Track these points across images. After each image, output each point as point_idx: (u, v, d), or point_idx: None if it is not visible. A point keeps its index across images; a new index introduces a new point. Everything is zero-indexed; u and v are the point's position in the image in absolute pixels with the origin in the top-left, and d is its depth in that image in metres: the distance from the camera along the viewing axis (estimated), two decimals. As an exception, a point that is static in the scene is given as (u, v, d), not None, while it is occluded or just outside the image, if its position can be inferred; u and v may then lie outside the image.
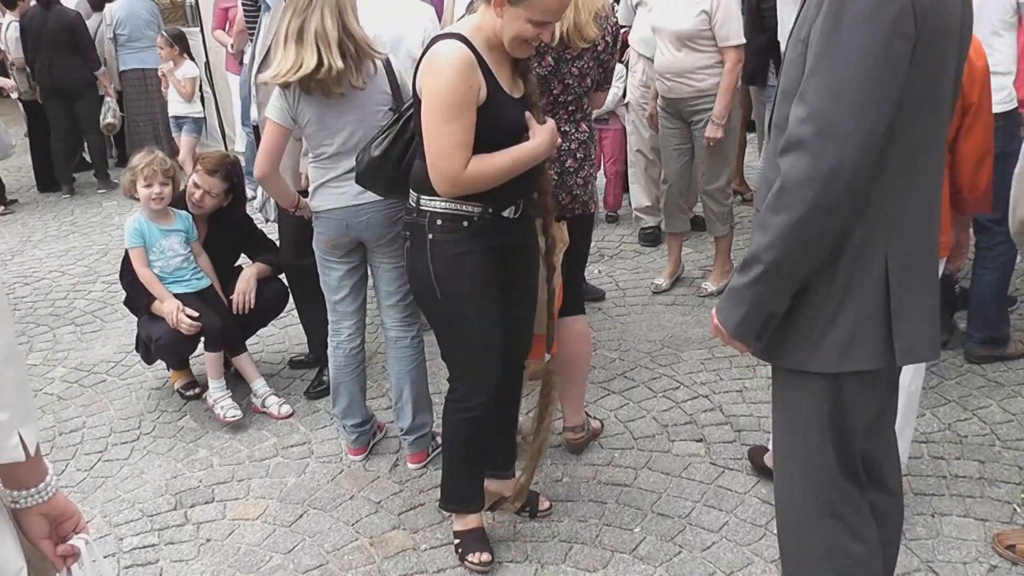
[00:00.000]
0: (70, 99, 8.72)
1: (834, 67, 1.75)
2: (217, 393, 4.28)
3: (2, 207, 8.51)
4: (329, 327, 3.77)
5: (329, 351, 3.80)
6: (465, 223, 2.78)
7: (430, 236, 2.78)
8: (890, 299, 1.90)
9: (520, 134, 2.78)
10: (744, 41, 4.87)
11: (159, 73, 8.37)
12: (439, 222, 2.77)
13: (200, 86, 8.16)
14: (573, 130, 3.29)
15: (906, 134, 1.83)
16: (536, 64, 3.09)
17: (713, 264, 5.49)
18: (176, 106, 8.08)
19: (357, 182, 3.12)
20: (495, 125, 2.66)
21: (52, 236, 7.66)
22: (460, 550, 3.14)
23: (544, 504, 3.40)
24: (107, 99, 8.82)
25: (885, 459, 2.25)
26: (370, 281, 3.74)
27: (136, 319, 4.49)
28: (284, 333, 5.18)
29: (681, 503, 3.41)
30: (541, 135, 2.75)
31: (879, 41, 1.72)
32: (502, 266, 2.90)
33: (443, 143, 2.60)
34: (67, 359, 5.16)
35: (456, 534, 3.18)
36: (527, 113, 2.78)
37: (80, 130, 9.07)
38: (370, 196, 3.32)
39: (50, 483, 1.63)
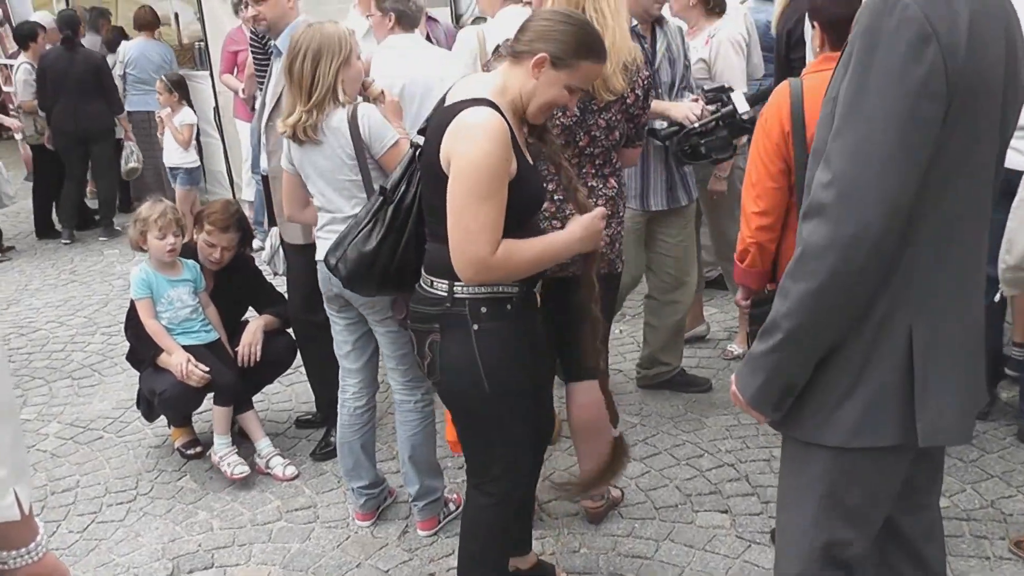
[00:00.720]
0: (87, 143, 8.59)
1: (858, 129, 1.68)
2: (223, 449, 4.13)
3: None
4: (340, 383, 3.68)
5: (339, 407, 3.69)
6: (508, 306, 2.56)
7: (475, 327, 2.50)
8: (913, 374, 1.79)
9: (541, 204, 2.67)
10: (746, 88, 4.71)
11: (156, 117, 8.29)
12: (483, 309, 2.51)
13: (198, 135, 8.07)
14: (601, 185, 3.18)
15: (938, 202, 1.73)
16: (560, 114, 2.98)
17: (738, 325, 5.34)
18: (171, 155, 7.95)
19: (346, 286, 2.88)
20: (520, 197, 2.47)
21: (50, 285, 7.51)
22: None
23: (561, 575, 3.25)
24: (128, 143, 8.70)
25: (927, 541, 2.15)
26: None
27: (138, 373, 4.35)
28: (291, 391, 5.02)
29: (701, 564, 3.26)
30: (578, 226, 2.57)
31: (906, 103, 1.63)
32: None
33: (473, 224, 2.35)
34: (63, 414, 5.00)
35: None
36: (576, 196, 2.66)
37: (93, 175, 8.97)
38: None
39: (40, 543, 1.61)
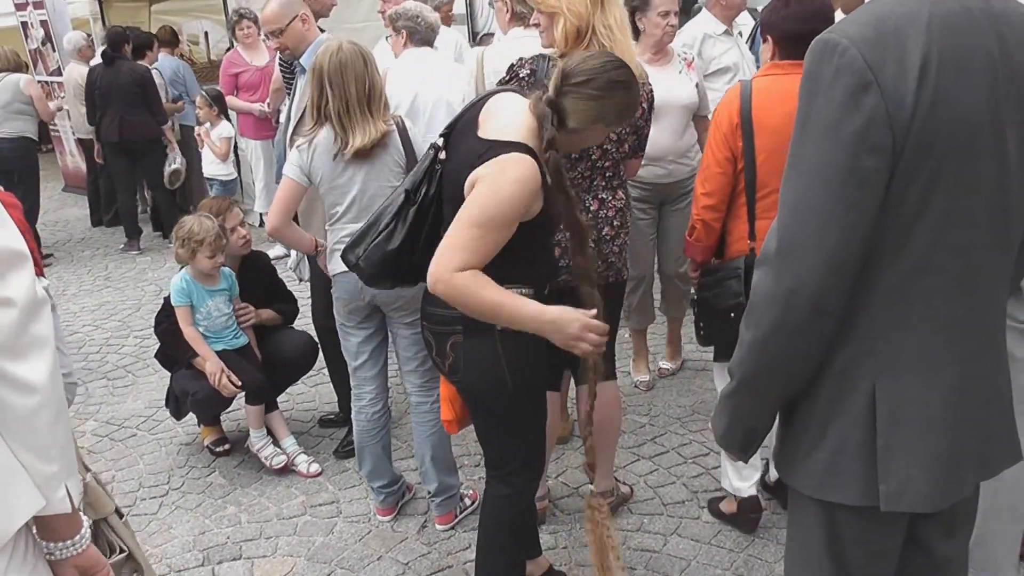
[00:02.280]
0: (134, 155, 8.79)
1: (798, 181, 1.60)
2: (260, 442, 4.33)
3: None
4: (352, 391, 3.79)
5: (352, 415, 3.82)
6: None
7: (499, 328, 2.54)
8: (876, 436, 1.67)
9: (557, 227, 2.74)
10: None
11: (195, 134, 8.52)
12: None
13: (235, 147, 8.29)
14: (610, 197, 3.28)
15: (895, 257, 1.61)
16: None
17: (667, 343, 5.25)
18: (209, 166, 8.19)
19: (368, 283, 2.90)
20: (538, 221, 2.54)
21: (86, 290, 7.76)
22: None
23: None
24: (173, 153, 8.89)
25: None
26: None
27: (168, 373, 4.53)
28: (314, 391, 5.20)
29: (711, 571, 3.38)
30: (559, 312, 2.46)
31: (843, 155, 1.52)
32: None
33: (457, 241, 2.39)
34: (98, 413, 5.20)
35: None
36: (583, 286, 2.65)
37: (148, 186, 9.20)
38: None
39: (85, 535, 1.69)
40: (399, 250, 2.68)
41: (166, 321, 4.43)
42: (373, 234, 2.74)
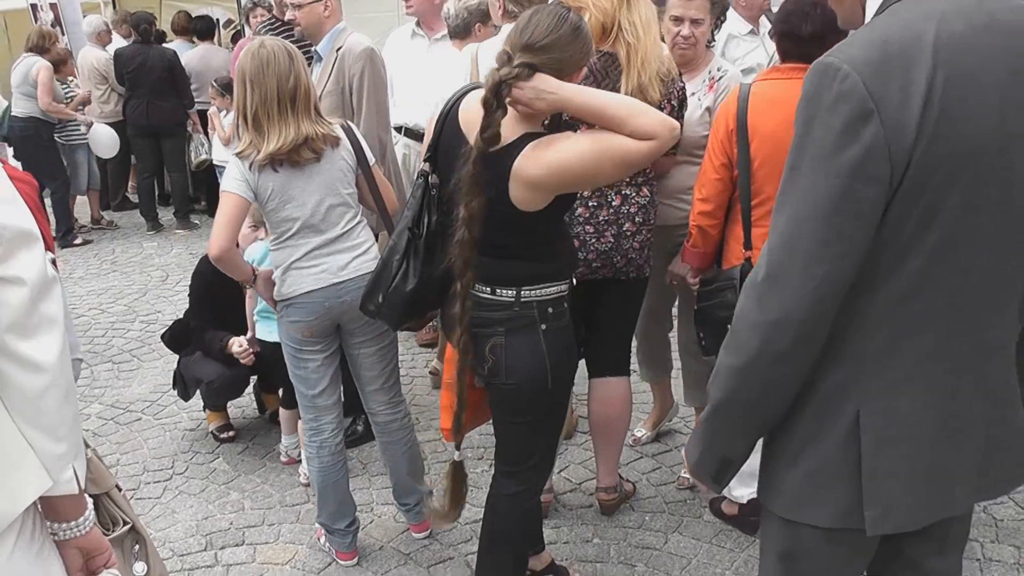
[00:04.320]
0: (158, 137, 8.88)
1: (791, 209, 1.55)
2: (293, 450, 4.28)
3: (80, 239, 8.81)
4: (305, 427, 3.50)
5: (309, 454, 3.50)
6: (565, 303, 2.66)
7: (543, 327, 2.57)
8: (861, 460, 1.64)
9: (572, 202, 2.78)
10: None
11: (209, 115, 8.54)
12: (550, 310, 2.60)
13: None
14: (634, 193, 3.27)
15: (887, 283, 1.57)
16: None
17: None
18: (218, 152, 8.19)
19: (395, 327, 2.86)
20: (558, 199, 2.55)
21: (92, 274, 7.78)
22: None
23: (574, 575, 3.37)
24: (197, 136, 8.94)
25: None
26: None
27: (175, 358, 4.55)
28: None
29: (711, 570, 3.39)
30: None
31: (836, 186, 1.48)
32: None
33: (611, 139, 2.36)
34: (103, 396, 5.22)
35: None
36: None
37: (167, 169, 9.25)
38: (353, 271, 3.20)
39: (88, 517, 1.70)
40: (418, 287, 2.69)
41: (204, 316, 4.40)
42: (386, 280, 2.73)
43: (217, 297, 4.34)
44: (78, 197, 9.31)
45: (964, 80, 1.47)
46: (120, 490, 2.02)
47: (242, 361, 4.21)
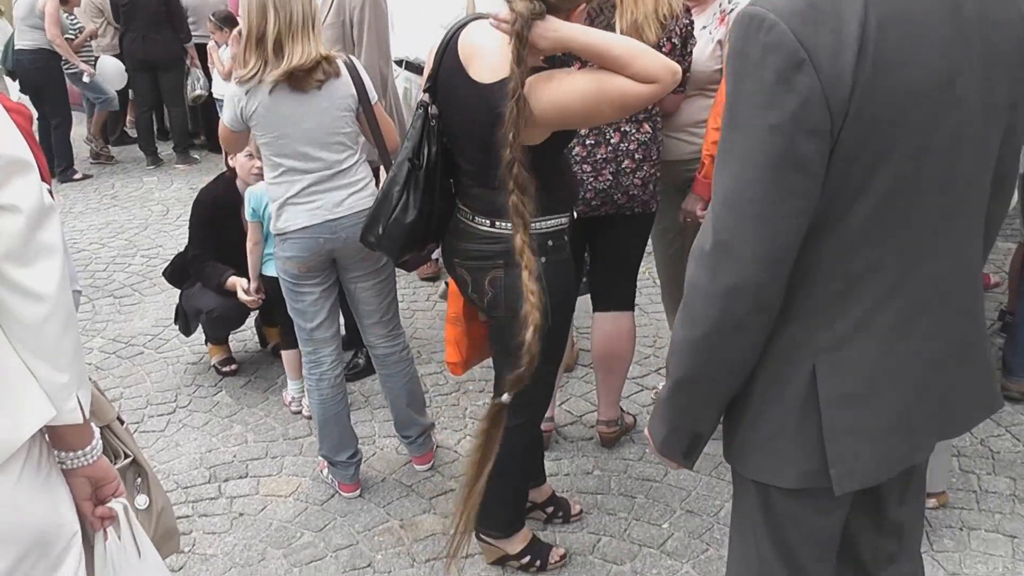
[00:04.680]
0: (156, 72, 8.82)
1: (732, 171, 1.46)
2: (297, 393, 4.24)
3: (79, 173, 8.79)
4: (304, 360, 3.51)
5: (309, 386, 3.53)
6: (565, 236, 2.66)
7: (543, 259, 2.54)
8: (821, 419, 1.58)
9: (571, 138, 2.76)
10: None
11: (208, 49, 8.46)
12: (551, 243, 2.60)
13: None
14: (634, 130, 3.23)
15: (835, 233, 1.49)
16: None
17: None
18: (218, 87, 8.14)
19: (396, 259, 2.89)
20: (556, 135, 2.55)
21: (93, 209, 7.76)
22: (538, 562, 3.05)
23: (575, 508, 3.39)
24: (194, 70, 8.88)
25: (889, 563, 1.93)
26: None
27: (176, 292, 4.56)
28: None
29: (711, 501, 3.43)
30: None
31: (776, 141, 1.39)
32: None
33: (614, 83, 2.33)
34: (105, 330, 5.24)
35: (521, 553, 3.07)
36: None
37: (165, 103, 9.21)
38: (348, 208, 3.20)
39: (96, 447, 1.71)
40: (418, 218, 2.68)
41: (204, 248, 4.37)
42: (387, 211, 2.72)
43: (218, 228, 4.33)
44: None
45: (898, 21, 1.39)
46: (122, 423, 2.04)
47: (251, 307, 4.23)
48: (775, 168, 1.41)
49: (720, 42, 3.40)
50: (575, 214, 2.82)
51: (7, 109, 1.59)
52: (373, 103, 3.27)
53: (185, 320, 4.49)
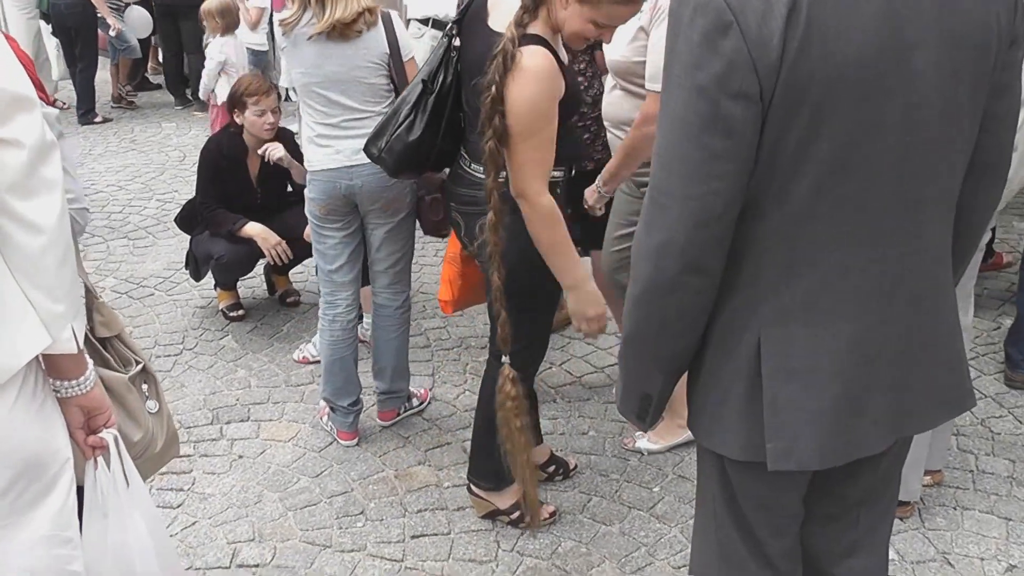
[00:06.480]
0: (176, 18, 8.84)
1: (663, 128, 1.46)
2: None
3: (100, 117, 8.83)
4: (321, 300, 3.62)
5: (322, 326, 3.62)
6: (558, 189, 2.67)
7: None
8: (763, 390, 1.56)
9: (579, 107, 2.77)
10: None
11: None
12: None
13: (271, 20, 8.18)
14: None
15: (779, 205, 1.47)
16: None
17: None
18: (242, 34, 8.10)
19: (393, 174, 2.92)
20: (563, 105, 2.54)
21: (111, 152, 7.80)
22: (527, 518, 3.05)
23: (572, 462, 3.42)
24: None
25: (844, 558, 1.90)
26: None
27: (188, 237, 4.60)
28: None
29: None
30: (590, 298, 2.67)
31: (702, 103, 1.38)
32: None
33: (519, 159, 2.46)
34: (118, 271, 5.29)
35: (511, 508, 3.09)
36: None
37: (184, 50, 9.19)
38: (365, 157, 3.15)
39: (89, 377, 1.76)
40: (420, 140, 2.72)
41: (212, 197, 4.42)
42: (393, 126, 2.76)
43: (223, 177, 4.38)
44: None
45: None
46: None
47: (277, 261, 4.32)
48: (700, 131, 1.40)
49: (642, 28, 2.95)
50: (585, 166, 2.83)
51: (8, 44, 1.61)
52: (405, 60, 3.28)
53: (196, 265, 4.53)
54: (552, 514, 3.14)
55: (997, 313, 4.54)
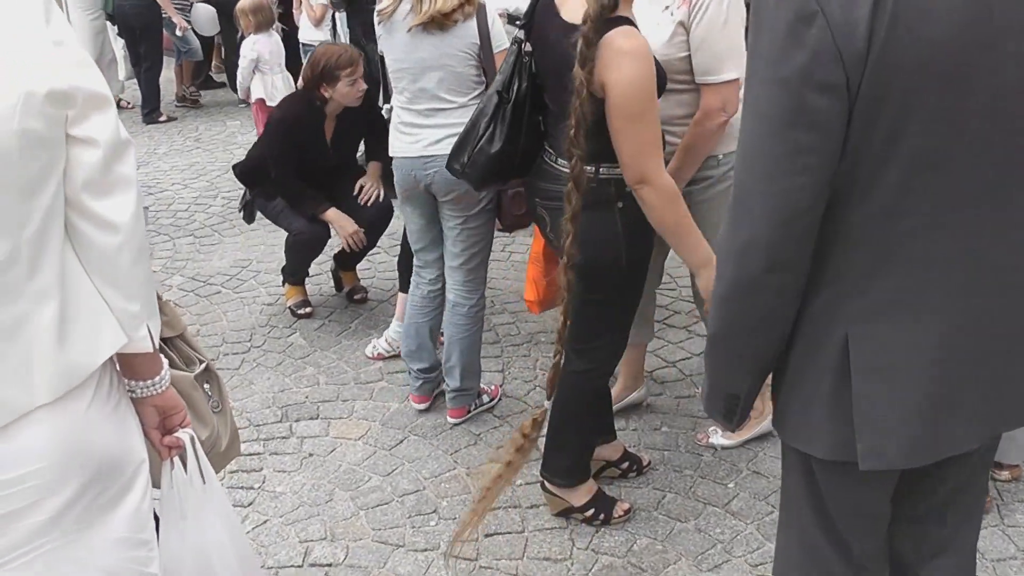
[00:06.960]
0: (219, 11, 8.89)
1: (746, 124, 1.45)
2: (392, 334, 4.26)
3: (164, 116, 8.93)
4: (414, 269, 3.75)
5: (411, 289, 3.76)
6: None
7: (619, 204, 2.60)
8: (852, 388, 1.52)
9: (667, 80, 2.71)
10: (734, 77, 2.82)
11: None
12: (627, 188, 2.57)
13: (334, 16, 8.19)
14: None
15: (865, 200, 1.43)
16: None
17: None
18: (305, 32, 8.12)
19: (478, 188, 2.98)
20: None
21: (177, 150, 7.88)
22: (602, 515, 3.06)
23: (646, 458, 3.38)
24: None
25: (932, 558, 1.86)
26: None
27: (252, 233, 4.62)
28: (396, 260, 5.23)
29: (777, 463, 3.30)
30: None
31: (787, 96, 1.35)
32: None
33: (631, 146, 2.43)
34: (185, 268, 5.34)
35: (586, 506, 3.06)
36: None
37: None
38: (443, 148, 3.16)
39: (165, 377, 1.76)
40: (503, 150, 2.73)
41: (294, 183, 4.39)
42: (473, 140, 2.78)
43: (299, 148, 4.32)
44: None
45: None
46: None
47: (350, 248, 4.39)
48: (784, 125, 1.37)
49: (682, 24, 2.81)
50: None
51: None
52: (496, 51, 3.27)
53: (250, 209, 4.59)
54: (627, 511, 3.09)
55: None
